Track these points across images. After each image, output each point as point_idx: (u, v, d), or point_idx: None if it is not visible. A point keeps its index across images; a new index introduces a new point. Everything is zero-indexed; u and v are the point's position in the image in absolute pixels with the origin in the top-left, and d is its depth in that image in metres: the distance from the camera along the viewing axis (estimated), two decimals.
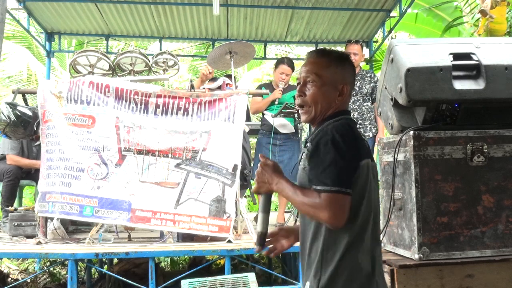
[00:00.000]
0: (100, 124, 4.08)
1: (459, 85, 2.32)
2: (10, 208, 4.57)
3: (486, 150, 2.32)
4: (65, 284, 4.13)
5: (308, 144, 1.65)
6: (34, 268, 5.69)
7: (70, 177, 4.01)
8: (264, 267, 5.10)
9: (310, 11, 6.81)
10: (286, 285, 4.10)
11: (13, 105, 4.38)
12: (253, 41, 7.50)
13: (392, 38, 8.02)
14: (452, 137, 2.31)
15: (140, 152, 4.05)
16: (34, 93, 4.54)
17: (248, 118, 5.16)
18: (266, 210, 1.72)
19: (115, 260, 5.10)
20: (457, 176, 2.29)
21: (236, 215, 4.07)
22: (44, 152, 4.18)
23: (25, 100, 4.67)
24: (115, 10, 6.76)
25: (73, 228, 4.79)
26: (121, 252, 3.78)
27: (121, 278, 4.09)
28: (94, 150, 4.04)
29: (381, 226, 2.82)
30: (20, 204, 5.33)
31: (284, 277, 4.41)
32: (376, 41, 7.85)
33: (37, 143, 4.47)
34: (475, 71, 2.37)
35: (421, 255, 2.22)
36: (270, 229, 1.76)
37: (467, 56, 2.40)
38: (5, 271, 5.32)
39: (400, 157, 2.39)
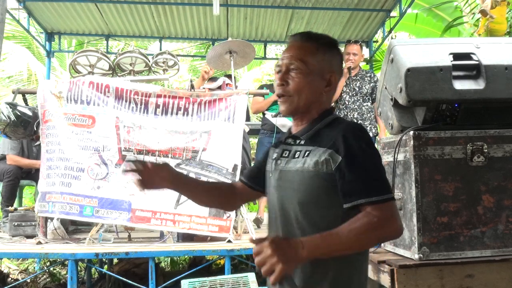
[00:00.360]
0: (100, 124, 4.08)
1: (459, 85, 2.32)
2: (10, 208, 4.57)
3: (486, 150, 2.31)
4: (65, 284, 4.13)
5: (303, 142, 1.46)
6: (34, 268, 5.68)
7: (70, 177, 4.01)
8: None
9: (310, 11, 6.81)
10: None
11: (13, 105, 4.39)
12: (253, 41, 7.50)
13: (392, 38, 8.02)
14: (452, 137, 2.31)
15: (140, 152, 4.05)
16: (34, 93, 4.54)
17: (247, 118, 5.17)
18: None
19: (115, 260, 5.09)
20: (457, 176, 2.29)
21: (236, 215, 4.07)
22: (44, 152, 4.18)
23: (25, 100, 4.67)
24: (115, 10, 6.76)
25: (73, 228, 4.79)
26: (121, 252, 3.78)
27: (121, 278, 4.09)
28: (94, 150, 4.04)
29: None
30: (20, 204, 5.33)
31: None
32: (376, 41, 7.86)
33: (37, 143, 4.48)
34: (475, 71, 2.37)
35: (421, 255, 2.22)
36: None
37: (467, 56, 2.40)
38: (5, 271, 5.32)
39: (400, 157, 2.39)
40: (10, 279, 5.14)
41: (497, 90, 2.34)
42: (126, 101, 4.14)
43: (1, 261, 5.14)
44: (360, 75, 5.01)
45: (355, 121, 4.82)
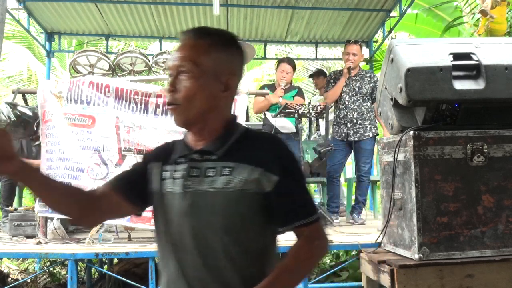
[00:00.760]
0: (100, 124, 4.08)
1: (459, 85, 2.33)
2: (10, 208, 4.56)
3: (486, 150, 2.32)
4: (65, 284, 4.12)
5: (215, 157, 1.24)
6: (34, 268, 5.68)
7: (70, 177, 4.01)
8: None
9: (310, 11, 6.81)
10: None
11: (13, 105, 4.39)
12: (253, 41, 7.51)
13: (392, 38, 8.02)
14: (452, 137, 2.31)
15: (140, 152, 4.05)
16: (34, 93, 4.54)
17: (246, 118, 5.17)
18: None
19: (115, 260, 5.09)
20: (457, 176, 2.29)
21: None
22: (44, 152, 4.18)
23: (25, 100, 4.68)
24: (115, 10, 6.76)
25: (73, 228, 4.78)
26: (121, 252, 3.77)
27: (121, 278, 4.09)
28: (94, 150, 4.04)
29: (381, 226, 2.82)
30: (20, 204, 5.32)
31: None
32: (376, 41, 7.86)
33: (37, 143, 4.48)
34: (475, 71, 2.37)
35: (421, 255, 2.22)
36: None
37: (467, 56, 2.40)
38: (5, 271, 5.32)
39: (400, 157, 2.39)
40: (10, 279, 5.13)
41: (497, 90, 2.34)
42: (126, 101, 4.14)
43: (1, 261, 5.14)
44: (360, 75, 5.01)
45: (355, 121, 4.82)
